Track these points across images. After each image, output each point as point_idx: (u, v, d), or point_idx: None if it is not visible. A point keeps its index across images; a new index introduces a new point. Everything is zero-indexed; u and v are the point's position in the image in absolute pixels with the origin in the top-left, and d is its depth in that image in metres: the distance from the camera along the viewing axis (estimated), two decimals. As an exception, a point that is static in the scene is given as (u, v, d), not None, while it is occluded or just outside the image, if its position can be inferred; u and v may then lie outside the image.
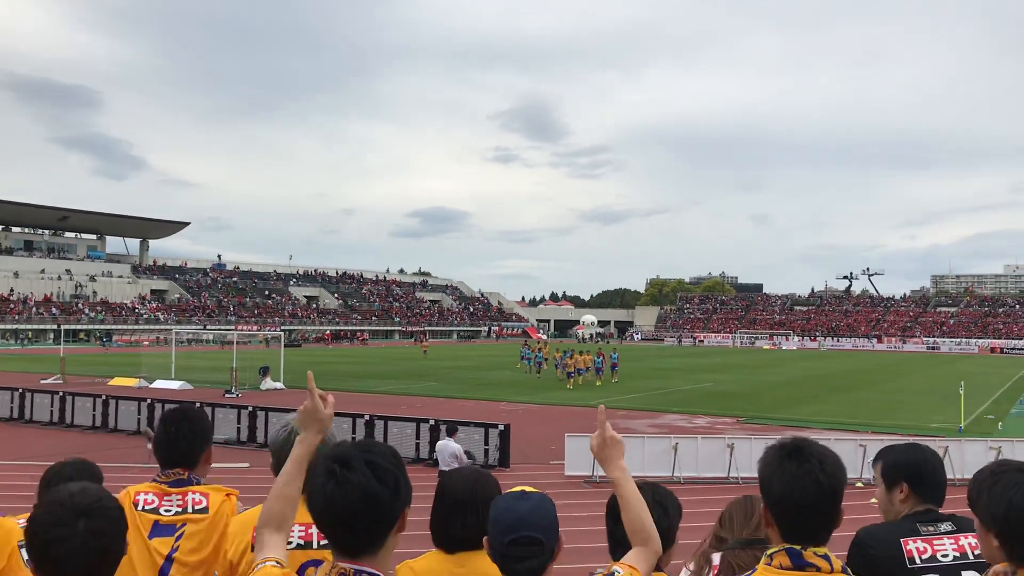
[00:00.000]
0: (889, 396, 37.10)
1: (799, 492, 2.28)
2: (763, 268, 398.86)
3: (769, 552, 2.34)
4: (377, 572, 2.13)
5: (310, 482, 2.17)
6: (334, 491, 2.07)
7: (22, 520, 2.78)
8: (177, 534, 3.40)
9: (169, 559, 3.36)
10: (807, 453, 2.33)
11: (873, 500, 3.47)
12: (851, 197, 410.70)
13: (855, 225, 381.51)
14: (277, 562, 2.40)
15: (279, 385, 35.60)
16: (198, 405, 22.79)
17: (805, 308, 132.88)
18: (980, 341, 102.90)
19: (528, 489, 2.45)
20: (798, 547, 2.28)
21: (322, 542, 2.95)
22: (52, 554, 2.11)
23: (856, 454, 17.19)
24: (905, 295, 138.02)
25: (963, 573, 2.81)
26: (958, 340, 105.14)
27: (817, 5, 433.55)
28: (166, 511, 3.43)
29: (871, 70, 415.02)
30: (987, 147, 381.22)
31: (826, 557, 2.27)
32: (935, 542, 2.90)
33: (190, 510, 3.45)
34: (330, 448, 2.26)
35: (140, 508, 3.41)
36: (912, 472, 3.10)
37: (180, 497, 3.47)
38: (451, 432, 15.30)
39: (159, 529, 3.40)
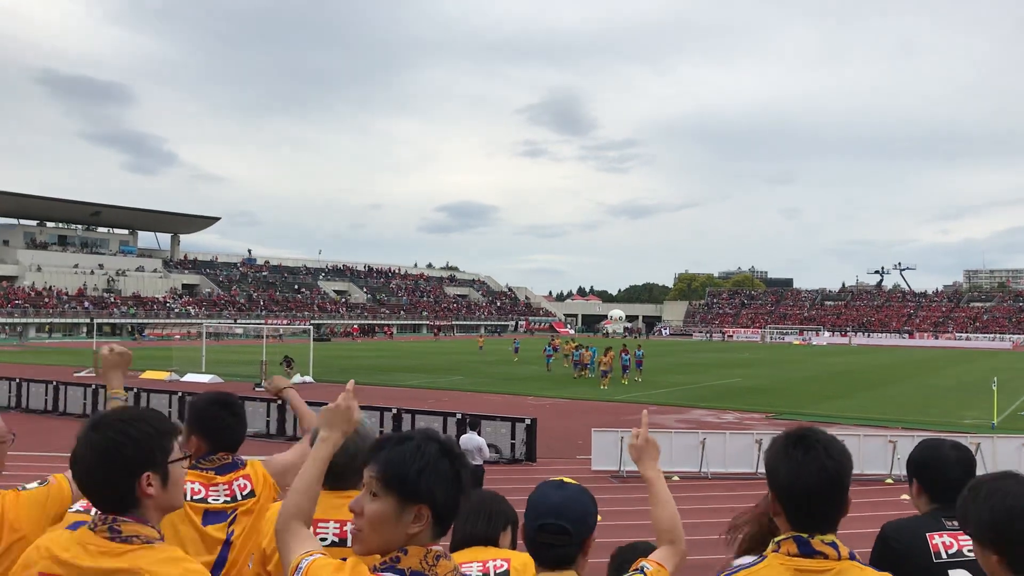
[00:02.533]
0: (921, 392, 36.66)
1: (805, 479, 2.29)
2: (793, 263, 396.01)
3: (777, 539, 2.35)
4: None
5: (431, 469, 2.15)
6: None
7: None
8: (230, 519, 3.46)
9: (227, 543, 3.42)
10: (812, 440, 2.35)
11: (904, 496, 3.48)
12: (883, 191, 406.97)
13: (887, 219, 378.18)
14: (322, 554, 2.42)
15: (307, 379, 35.86)
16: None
17: (835, 303, 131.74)
18: (1014, 336, 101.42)
19: (567, 480, 2.51)
20: (805, 535, 2.29)
21: None
22: (72, 463, 2.27)
23: (886, 450, 17.03)
24: (937, 290, 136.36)
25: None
26: (991, 335, 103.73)
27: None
28: (214, 500, 3.47)
29: (904, 61, 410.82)
30: (1022, 139, 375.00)
31: (833, 544, 2.28)
32: (960, 537, 2.89)
33: (239, 497, 3.50)
34: (430, 438, 2.21)
35: (188, 499, 3.41)
36: (920, 469, 3.14)
37: (227, 486, 3.51)
38: (474, 426, 15.35)
39: (210, 517, 3.44)
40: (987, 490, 2.17)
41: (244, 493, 3.51)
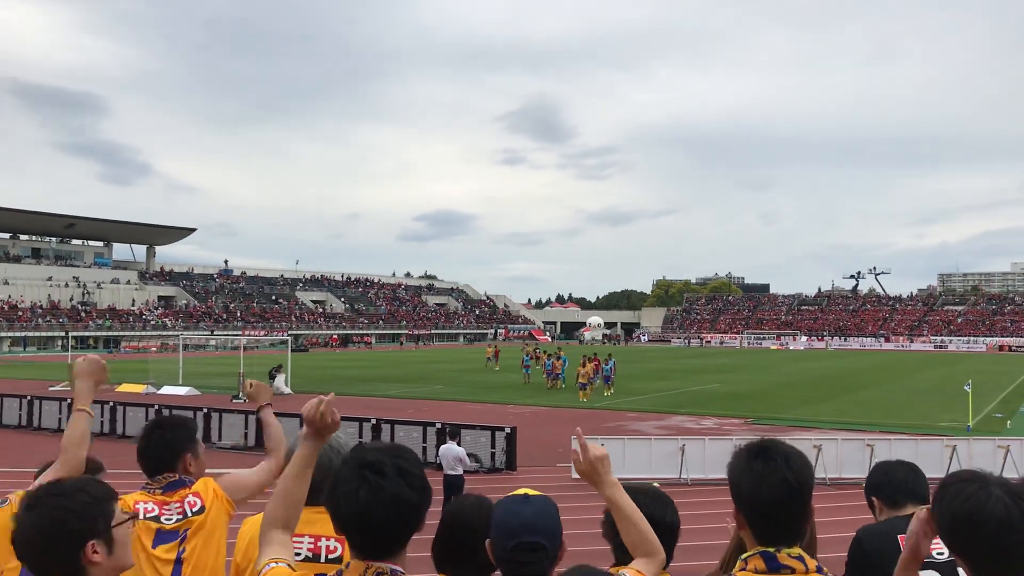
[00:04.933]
0: (897, 395, 37.00)
1: (766, 491, 2.28)
2: (770, 268, 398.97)
3: (744, 556, 2.34)
4: (402, 570, 2.18)
5: (337, 488, 2.16)
6: (367, 497, 2.09)
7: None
8: (181, 537, 3.48)
9: (179, 561, 3.43)
10: (773, 452, 2.35)
11: None
12: (859, 196, 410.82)
13: (863, 224, 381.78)
14: (288, 564, 2.40)
15: (287, 389, 35.61)
16: (205, 411, 22.78)
17: (812, 308, 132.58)
18: (988, 339, 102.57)
19: (530, 492, 2.43)
20: (772, 549, 2.28)
21: (331, 556, 2.96)
22: (13, 543, 2.26)
23: (863, 453, 17.16)
24: (912, 294, 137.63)
25: (959, 570, 2.82)
26: (966, 339, 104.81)
27: (827, 3, 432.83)
28: (167, 519, 3.51)
29: (881, 68, 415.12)
30: (997, 145, 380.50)
31: (800, 558, 2.27)
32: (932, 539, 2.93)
33: (189, 514, 3.54)
34: (352, 452, 2.24)
35: (142, 517, 3.46)
36: (879, 492, 3.39)
37: (179, 504, 3.55)
38: (454, 435, 15.32)
39: (162, 536, 3.47)
40: (951, 492, 2.14)
41: (194, 510, 3.56)
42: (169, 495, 3.56)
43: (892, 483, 3.34)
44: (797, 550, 2.29)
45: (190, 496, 3.58)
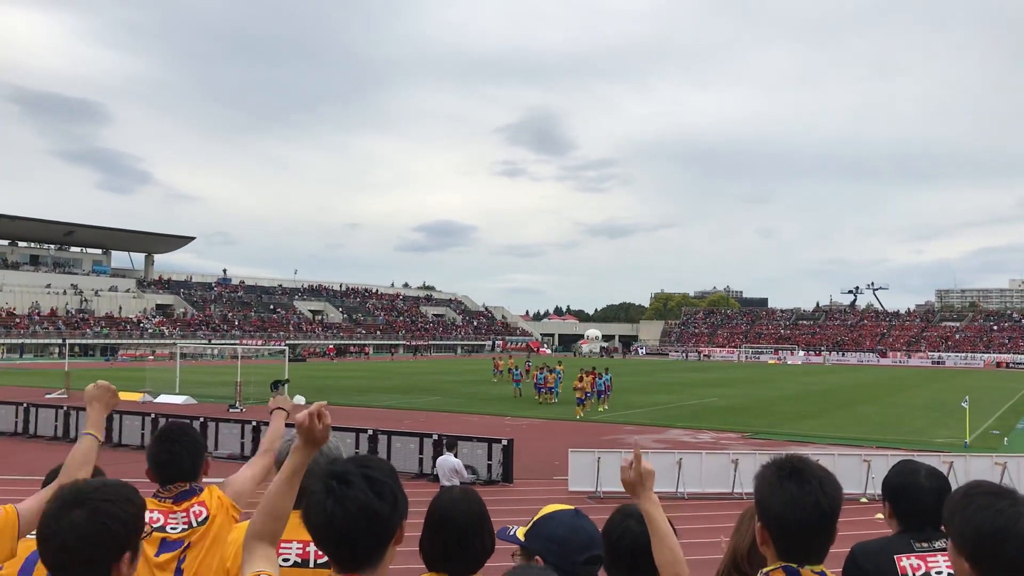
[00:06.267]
0: (894, 411, 36.96)
1: (799, 513, 2.27)
2: (768, 282, 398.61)
3: (766, 570, 2.34)
4: None
5: (307, 498, 2.17)
6: (333, 507, 2.08)
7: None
8: (183, 547, 3.47)
9: (178, 571, 3.42)
10: (807, 475, 2.33)
11: (878, 515, 3.50)
12: (858, 211, 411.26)
13: (862, 239, 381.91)
14: (270, 574, 2.40)
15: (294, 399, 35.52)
16: (202, 420, 22.75)
17: (810, 322, 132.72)
18: (985, 355, 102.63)
19: (565, 507, 2.59)
20: (795, 565, 2.28)
21: (319, 561, 2.95)
22: (46, 542, 2.13)
23: (860, 469, 17.16)
24: (910, 309, 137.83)
25: None
26: (963, 354, 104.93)
27: (826, 19, 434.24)
28: (172, 528, 3.49)
29: (880, 84, 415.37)
30: (995, 161, 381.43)
31: (822, 574, 2.28)
32: (929, 558, 2.92)
33: (194, 524, 3.52)
34: (326, 464, 2.26)
35: (150, 527, 3.44)
36: (895, 494, 3.15)
37: (184, 514, 3.53)
38: (451, 447, 15.27)
39: (167, 546, 3.45)
40: (979, 504, 2.13)
41: (199, 520, 3.53)
42: (177, 504, 3.54)
43: (918, 508, 3.08)
44: (820, 567, 2.30)
45: (195, 506, 3.55)
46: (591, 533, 2.44)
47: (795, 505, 2.28)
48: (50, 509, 2.16)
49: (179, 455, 3.62)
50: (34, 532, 2.27)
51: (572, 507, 2.52)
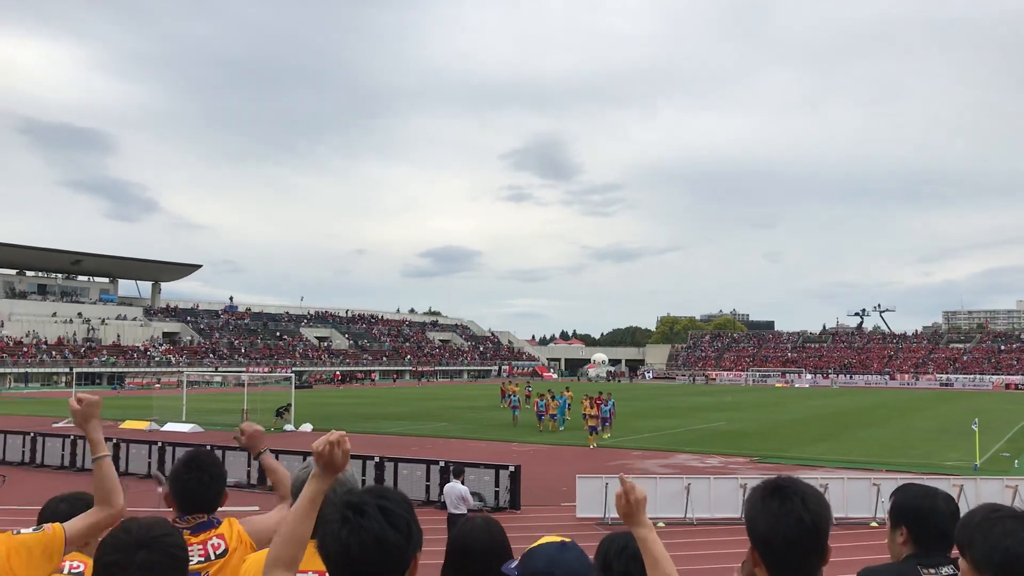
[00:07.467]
0: (903, 434, 36.75)
1: (783, 530, 2.28)
2: (774, 305, 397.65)
3: None
4: None
5: (322, 528, 2.19)
6: (348, 538, 2.10)
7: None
8: None
9: None
10: (790, 491, 2.35)
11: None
12: (865, 234, 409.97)
13: (868, 262, 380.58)
14: None
15: (301, 427, 35.53)
16: (208, 448, 22.71)
17: (817, 345, 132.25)
18: (994, 377, 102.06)
19: (559, 538, 2.49)
20: None
21: None
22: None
23: (870, 493, 17.04)
24: (917, 331, 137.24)
25: None
26: (971, 376, 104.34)
27: (832, 42, 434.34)
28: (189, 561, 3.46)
29: (886, 106, 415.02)
30: (1002, 183, 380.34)
31: None
32: None
33: (212, 557, 3.50)
34: (342, 494, 2.28)
35: None
36: (914, 518, 3.10)
37: (201, 546, 3.50)
38: (457, 474, 15.20)
39: None
40: (1006, 528, 2.12)
41: (217, 552, 3.51)
42: (195, 535, 3.51)
43: (938, 532, 3.03)
44: None
45: (214, 538, 3.53)
46: (572, 566, 2.38)
47: (778, 522, 2.30)
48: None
49: (207, 484, 3.62)
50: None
51: (564, 539, 2.46)
